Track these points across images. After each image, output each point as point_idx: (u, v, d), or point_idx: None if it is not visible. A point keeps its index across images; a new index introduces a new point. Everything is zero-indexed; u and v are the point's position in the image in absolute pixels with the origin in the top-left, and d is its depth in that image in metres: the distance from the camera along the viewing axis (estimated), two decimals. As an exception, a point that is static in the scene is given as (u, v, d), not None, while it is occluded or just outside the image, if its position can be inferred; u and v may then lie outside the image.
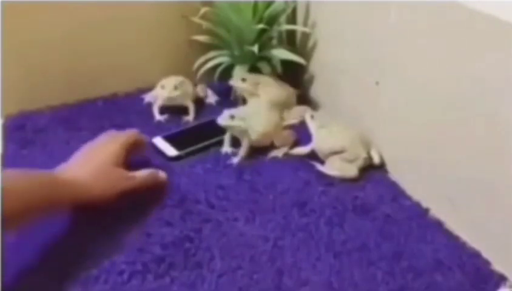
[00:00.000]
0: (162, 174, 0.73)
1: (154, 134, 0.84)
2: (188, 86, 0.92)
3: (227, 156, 0.80)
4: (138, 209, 0.69)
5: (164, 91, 0.89)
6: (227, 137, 0.82)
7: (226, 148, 0.81)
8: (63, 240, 0.64)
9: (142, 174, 0.70)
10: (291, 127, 0.87)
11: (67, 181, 0.62)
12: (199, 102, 0.94)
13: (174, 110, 0.91)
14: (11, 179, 0.56)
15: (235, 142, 0.81)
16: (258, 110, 0.83)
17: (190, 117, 0.91)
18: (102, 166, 0.66)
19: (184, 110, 0.91)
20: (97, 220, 0.66)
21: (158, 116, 0.90)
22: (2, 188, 0.52)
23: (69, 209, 0.65)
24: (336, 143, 0.77)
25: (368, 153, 0.78)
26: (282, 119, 0.88)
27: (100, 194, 0.64)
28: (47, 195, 0.59)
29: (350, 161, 0.76)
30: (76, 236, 0.65)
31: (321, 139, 0.79)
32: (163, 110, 0.90)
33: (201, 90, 0.95)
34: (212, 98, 0.95)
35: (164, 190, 0.72)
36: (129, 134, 0.73)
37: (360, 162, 0.77)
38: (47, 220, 0.63)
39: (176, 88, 0.89)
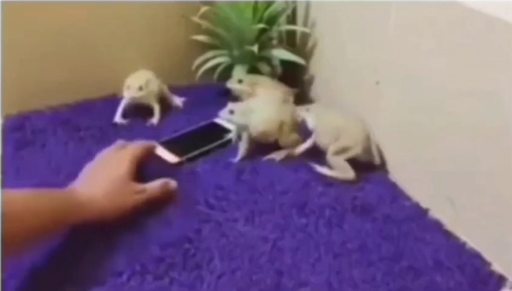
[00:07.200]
0: (172, 183, 0.72)
1: (152, 135, 0.84)
2: (155, 85, 0.90)
3: (227, 156, 0.80)
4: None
5: (129, 92, 0.87)
6: (234, 131, 0.82)
7: (234, 137, 0.82)
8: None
9: (153, 186, 0.69)
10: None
11: (79, 202, 0.62)
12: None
13: (139, 112, 0.90)
14: (21, 202, 0.55)
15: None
16: (262, 106, 0.79)
17: (154, 119, 0.89)
18: (114, 183, 0.66)
19: (150, 111, 0.90)
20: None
21: (118, 118, 0.88)
22: (2, 203, 0.51)
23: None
24: (334, 122, 0.76)
25: (367, 140, 0.76)
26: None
27: (112, 212, 0.65)
28: (60, 218, 0.60)
29: (349, 149, 0.75)
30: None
31: (320, 123, 0.77)
32: (129, 110, 0.89)
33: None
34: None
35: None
36: (137, 147, 0.72)
37: (358, 149, 0.75)
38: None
39: (141, 88, 0.87)
